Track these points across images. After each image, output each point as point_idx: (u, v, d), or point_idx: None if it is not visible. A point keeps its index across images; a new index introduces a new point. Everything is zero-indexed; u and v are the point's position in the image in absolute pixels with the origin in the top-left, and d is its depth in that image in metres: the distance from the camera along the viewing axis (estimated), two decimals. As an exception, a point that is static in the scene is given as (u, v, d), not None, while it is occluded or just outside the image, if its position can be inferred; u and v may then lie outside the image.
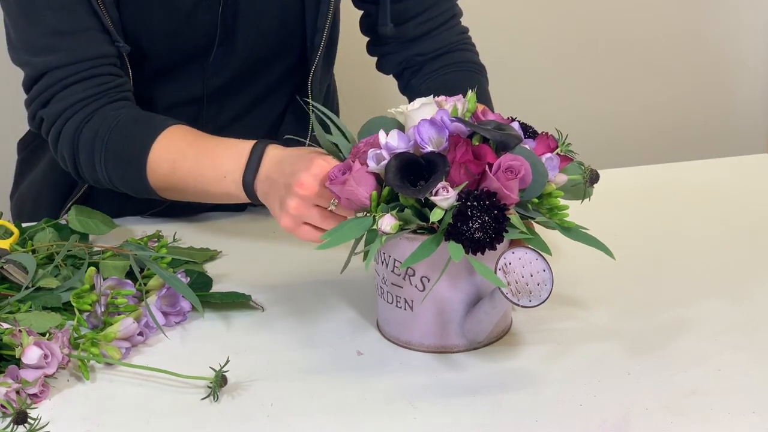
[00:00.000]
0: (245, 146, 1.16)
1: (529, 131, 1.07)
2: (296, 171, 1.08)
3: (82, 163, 1.28)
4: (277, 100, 1.46)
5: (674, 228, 1.37)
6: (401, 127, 1.06)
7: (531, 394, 1.00)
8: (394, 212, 0.99)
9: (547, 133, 1.06)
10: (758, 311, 1.15)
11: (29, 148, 1.54)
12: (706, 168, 1.61)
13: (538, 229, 1.06)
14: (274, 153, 1.14)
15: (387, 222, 0.98)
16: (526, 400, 0.99)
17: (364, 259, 0.99)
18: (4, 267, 1.15)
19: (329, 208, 1.05)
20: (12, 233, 1.23)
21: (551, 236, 1.06)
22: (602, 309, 1.16)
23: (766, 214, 1.41)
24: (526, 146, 1.04)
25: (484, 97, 1.38)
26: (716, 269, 1.25)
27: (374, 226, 1.00)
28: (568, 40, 2.36)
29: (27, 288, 1.12)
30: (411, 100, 1.15)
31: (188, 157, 1.22)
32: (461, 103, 1.07)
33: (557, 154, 1.05)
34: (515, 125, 1.06)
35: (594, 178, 1.07)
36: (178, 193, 1.26)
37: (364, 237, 1.03)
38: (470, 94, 1.08)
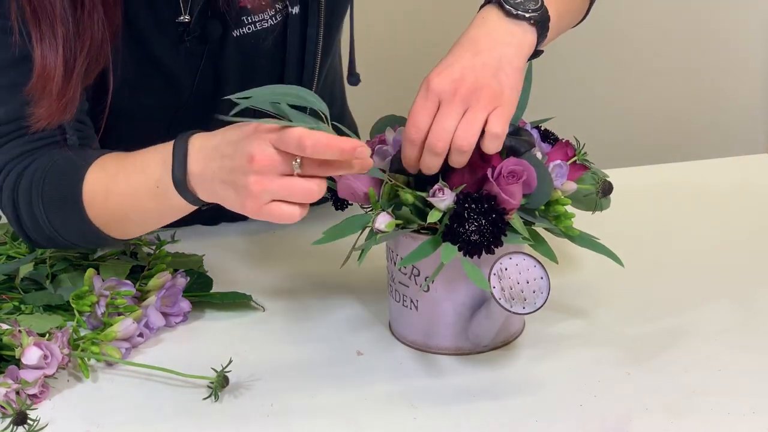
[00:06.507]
0: (169, 146, 1.00)
1: (550, 138, 1.06)
2: (241, 147, 0.92)
3: (25, 218, 1.10)
4: None
5: (674, 228, 1.37)
6: None
7: (531, 394, 1.00)
8: (390, 210, 0.99)
9: (567, 141, 1.05)
10: (758, 312, 1.15)
11: None
12: (706, 168, 1.60)
13: (546, 235, 1.05)
14: (200, 142, 0.98)
15: (382, 220, 0.98)
16: (526, 400, 0.99)
17: (359, 258, 0.99)
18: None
19: (295, 172, 0.91)
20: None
21: (555, 237, 1.06)
22: (602, 308, 1.15)
23: (766, 214, 1.41)
24: (538, 152, 1.02)
25: None
26: (716, 269, 1.25)
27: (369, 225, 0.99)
28: (567, 40, 2.35)
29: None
30: None
31: (119, 178, 1.05)
32: None
33: (574, 162, 1.03)
34: (533, 131, 1.04)
35: (606, 189, 1.06)
36: (121, 223, 1.08)
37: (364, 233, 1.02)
38: None
